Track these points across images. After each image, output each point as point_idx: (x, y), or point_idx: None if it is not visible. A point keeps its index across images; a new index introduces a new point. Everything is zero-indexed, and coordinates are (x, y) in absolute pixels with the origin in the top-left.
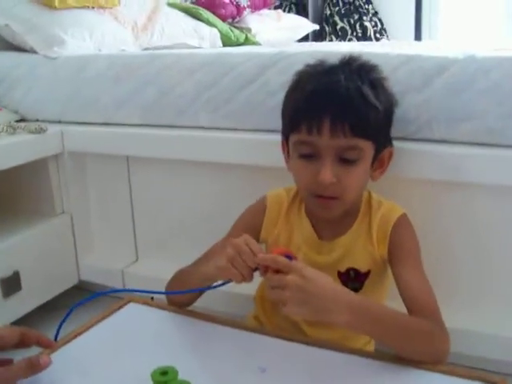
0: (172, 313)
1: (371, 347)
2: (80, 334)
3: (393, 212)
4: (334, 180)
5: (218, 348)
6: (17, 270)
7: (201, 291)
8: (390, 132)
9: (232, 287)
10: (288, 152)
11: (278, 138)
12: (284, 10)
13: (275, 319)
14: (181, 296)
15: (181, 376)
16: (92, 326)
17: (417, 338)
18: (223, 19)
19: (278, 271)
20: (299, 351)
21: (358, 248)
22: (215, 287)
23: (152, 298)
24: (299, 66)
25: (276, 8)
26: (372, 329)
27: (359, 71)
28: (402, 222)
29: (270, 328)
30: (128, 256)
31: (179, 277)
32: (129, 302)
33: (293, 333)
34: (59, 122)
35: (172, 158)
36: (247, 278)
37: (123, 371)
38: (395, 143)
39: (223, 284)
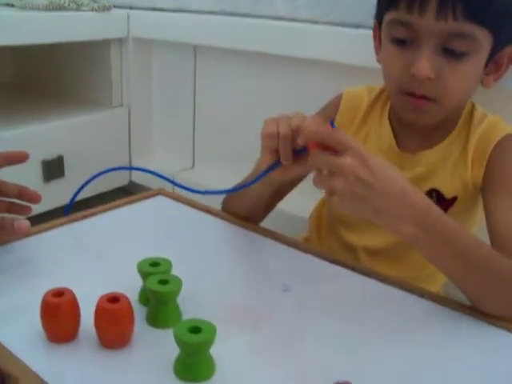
0: (202, 211)
1: None
2: (91, 215)
3: (498, 128)
4: (433, 75)
5: (241, 255)
6: (61, 155)
7: (239, 189)
8: None
9: (286, 207)
10: (380, 39)
11: (364, 33)
12: None
13: (329, 242)
14: (241, 209)
15: (179, 273)
16: (107, 209)
17: (504, 281)
18: None
19: (328, 150)
20: (340, 275)
21: (447, 167)
22: (255, 181)
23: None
24: None
25: None
26: (445, 253)
27: None
28: (508, 143)
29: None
30: (184, 161)
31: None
32: (158, 194)
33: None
34: (130, 8)
35: (242, 50)
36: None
37: (119, 259)
38: None
39: (265, 173)
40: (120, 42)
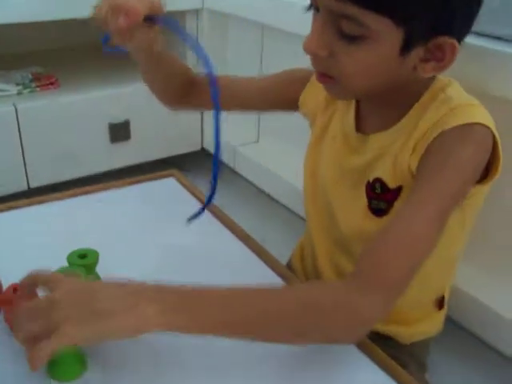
0: (200, 203)
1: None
2: (84, 193)
3: (454, 118)
4: (323, 53)
5: (198, 257)
6: (127, 119)
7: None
8: (457, 16)
9: None
10: None
11: None
12: None
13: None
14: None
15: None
16: (109, 188)
17: (309, 317)
18: None
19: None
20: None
21: (391, 153)
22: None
23: None
24: None
25: None
26: (221, 320)
27: None
28: (462, 134)
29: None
30: (250, 135)
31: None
32: (170, 176)
33: None
34: None
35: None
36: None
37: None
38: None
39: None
40: (197, 12)
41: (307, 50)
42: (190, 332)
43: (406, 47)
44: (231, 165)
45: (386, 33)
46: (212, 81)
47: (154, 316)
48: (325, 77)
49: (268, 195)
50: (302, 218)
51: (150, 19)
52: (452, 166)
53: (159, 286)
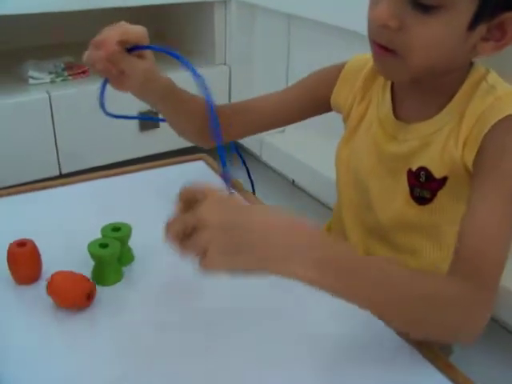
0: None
1: None
2: (124, 173)
3: (505, 105)
4: (393, 24)
5: None
6: None
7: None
8: None
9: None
10: None
11: None
12: None
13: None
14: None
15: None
16: (140, 169)
17: (434, 307)
18: None
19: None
20: None
21: (437, 142)
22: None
23: None
24: None
25: None
26: (360, 291)
27: None
28: (508, 125)
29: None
30: None
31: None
32: (200, 159)
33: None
34: None
35: (335, 25)
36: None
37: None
38: None
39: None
40: (224, 3)
41: (378, 20)
42: (324, 288)
43: (474, 21)
44: (258, 154)
45: (460, 2)
46: (210, 107)
47: (305, 277)
48: (386, 50)
49: (294, 184)
50: (327, 207)
51: (133, 49)
52: (510, 159)
53: (323, 246)
